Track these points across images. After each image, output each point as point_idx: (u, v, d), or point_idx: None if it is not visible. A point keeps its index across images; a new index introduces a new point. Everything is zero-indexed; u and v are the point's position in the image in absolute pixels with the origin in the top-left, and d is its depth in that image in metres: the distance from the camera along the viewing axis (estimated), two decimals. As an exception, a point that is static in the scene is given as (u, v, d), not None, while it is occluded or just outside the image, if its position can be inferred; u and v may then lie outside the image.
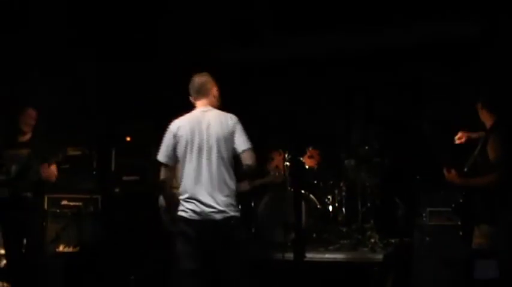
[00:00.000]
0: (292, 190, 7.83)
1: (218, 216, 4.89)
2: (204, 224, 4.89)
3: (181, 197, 5.00)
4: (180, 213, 4.96)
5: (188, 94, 5.27)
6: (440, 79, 8.83)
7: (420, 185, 7.89)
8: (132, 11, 8.26)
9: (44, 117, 7.08)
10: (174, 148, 5.05)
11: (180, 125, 5.09)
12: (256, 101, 9.68)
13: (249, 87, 9.75)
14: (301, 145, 8.55)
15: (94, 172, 8.17)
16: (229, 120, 5.11)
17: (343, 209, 8.36)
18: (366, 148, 8.23)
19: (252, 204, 8.32)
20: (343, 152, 8.55)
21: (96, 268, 7.34)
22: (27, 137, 6.86)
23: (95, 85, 8.83)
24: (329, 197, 8.53)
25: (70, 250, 7.57)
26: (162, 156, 5.07)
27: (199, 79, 5.28)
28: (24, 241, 6.83)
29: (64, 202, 7.76)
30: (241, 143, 5.05)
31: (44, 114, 7.11)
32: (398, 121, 9.14)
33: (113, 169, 8.22)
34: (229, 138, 5.04)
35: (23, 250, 6.81)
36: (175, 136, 5.05)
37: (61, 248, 7.56)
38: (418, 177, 8.02)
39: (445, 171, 5.72)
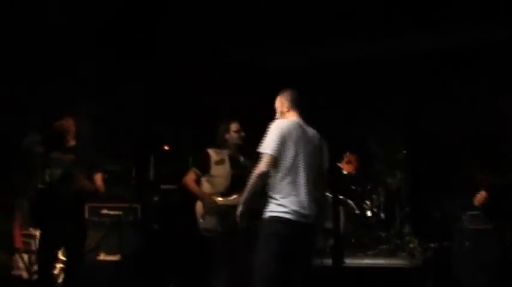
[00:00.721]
0: (331, 195, 7.80)
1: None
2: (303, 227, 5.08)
3: (280, 198, 5.11)
4: (281, 214, 5.06)
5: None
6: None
7: (460, 189, 7.82)
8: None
9: (88, 125, 7.15)
10: (283, 147, 5.15)
11: (289, 130, 5.22)
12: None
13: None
14: (339, 150, 8.52)
15: (132, 181, 8.25)
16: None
17: (382, 214, 8.32)
18: (404, 152, 8.18)
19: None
20: (377, 157, 8.51)
21: (136, 276, 7.39)
22: (72, 143, 6.90)
23: (133, 95, 8.90)
24: (367, 202, 8.51)
25: (110, 258, 7.64)
26: (273, 150, 5.10)
27: (295, 92, 5.55)
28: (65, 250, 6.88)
29: (104, 211, 7.83)
30: (326, 162, 5.45)
31: (88, 123, 7.18)
32: (436, 125, 9.07)
33: (151, 177, 8.28)
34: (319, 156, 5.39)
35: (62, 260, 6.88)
36: (284, 137, 5.15)
37: (101, 256, 7.63)
38: (456, 181, 7.95)
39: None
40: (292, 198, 5.06)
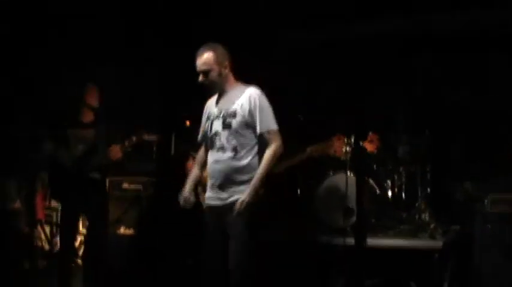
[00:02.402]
0: (353, 175, 7.75)
1: None
2: None
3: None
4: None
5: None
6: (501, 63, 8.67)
7: (483, 170, 7.77)
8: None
9: (108, 100, 7.17)
10: None
11: None
12: (313, 85, 9.63)
13: (308, 71, 9.70)
14: (363, 129, 8.47)
15: (154, 156, 8.28)
16: None
17: (403, 195, 8.27)
18: (426, 132, 8.12)
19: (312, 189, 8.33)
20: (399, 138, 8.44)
21: (155, 250, 7.43)
22: (92, 117, 6.91)
23: (155, 70, 8.90)
24: (388, 182, 8.46)
25: (130, 232, 7.68)
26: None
27: None
28: (87, 222, 6.93)
29: (125, 185, 7.87)
30: None
31: (109, 97, 7.20)
32: (461, 105, 9.01)
33: (172, 152, 8.29)
34: None
35: (85, 232, 6.93)
36: None
37: (122, 230, 7.68)
38: (479, 163, 7.90)
39: None
40: None
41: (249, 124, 5.01)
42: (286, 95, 9.15)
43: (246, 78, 5.31)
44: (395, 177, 8.38)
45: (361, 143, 8.32)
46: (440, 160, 8.29)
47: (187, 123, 8.33)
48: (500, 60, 8.71)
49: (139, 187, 7.94)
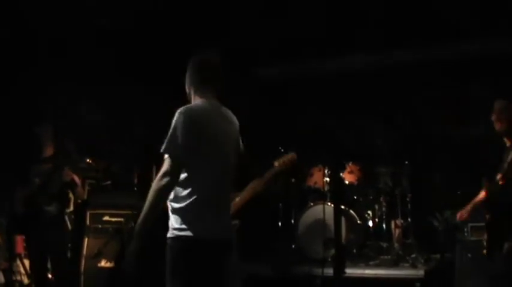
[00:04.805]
0: (332, 205, 7.78)
1: None
2: None
3: None
4: None
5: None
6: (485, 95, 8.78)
7: (461, 200, 7.82)
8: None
9: (72, 133, 7.20)
10: None
11: None
12: (295, 117, 9.71)
13: (288, 103, 9.78)
14: (341, 160, 8.52)
15: (135, 188, 8.25)
16: None
17: (384, 225, 8.31)
18: (406, 163, 8.18)
19: (292, 220, 8.35)
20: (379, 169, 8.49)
21: (136, 284, 7.38)
22: (51, 152, 6.96)
23: (135, 102, 8.91)
24: (369, 212, 8.50)
25: (111, 265, 7.63)
26: None
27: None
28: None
29: (106, 218, 7.82)
30: None
31: (79, 130, 7.21)
32: (439, 136, 9.09)
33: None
34: None
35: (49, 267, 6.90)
36: None
37: (102, 263, 7.62)
38: (459, 192, 7.95)
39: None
40: None
41: None
42: (266, 128, 9.24)
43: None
44: (376, 207, 8.43)
45: (341, 174, 8.38)
46: (421, 190, 8.34)
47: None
48: (481, 91, 8.82)
49: (120, 219, 7.89)
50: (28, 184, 6.79)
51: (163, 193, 4.22)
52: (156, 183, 4.18)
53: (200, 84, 4.52)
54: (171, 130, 4.24)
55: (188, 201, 4.25)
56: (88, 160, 7.09)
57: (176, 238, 4.25)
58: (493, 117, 5.93)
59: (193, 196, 4.25)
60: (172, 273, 4.25)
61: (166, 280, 4.26)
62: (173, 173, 4.18)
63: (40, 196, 6.71)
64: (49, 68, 8.11)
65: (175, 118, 4.25)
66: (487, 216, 5.67)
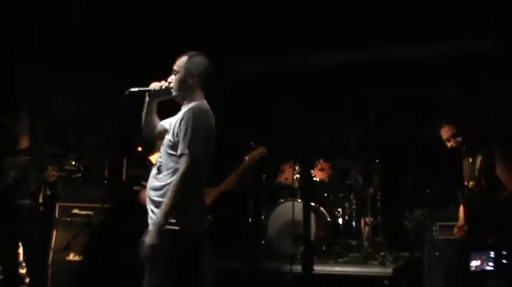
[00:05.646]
0: (302, 202, 7.80)
1: None
2: None
3: None
4: None
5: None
6: (454, 94, 8.87)
7: (431, 199, 7.88)
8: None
9: (48, 125, 7.13)
10: None
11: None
12: (266, 113, 9.72)
13: (260, 99, 9.79)
14: (312, 157, 8.54)
15: (105, 181, 8.20)
16: None
17: (353, 222, 8.34)
18: (377, 161, 8.21)
19: (262, 216, 8.36)
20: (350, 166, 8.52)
21: (104, 278, 7.34)
22: (26, 145, 6.89)
23: (106, 94, 8.86)
24: (339, 210, 8.53)
25: (79, 258, 7.58)
26: None
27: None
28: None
29: (75, 211, 7.77)
30: None
31: (53, 123, 7.15)
32: (410, 136, 9.16)
33: (124, 178, 8.23)
34: None
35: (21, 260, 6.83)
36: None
37: (71, 256, 7.57)
38: (428, 191, 8.01)
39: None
40: None
41: (175, 145, 4.45)
42: (239, 124, 9.24)
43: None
44: (346, 205, 8.46)
45: (312, 171, 8.40)
46: (391, 188, 8.38)
47: (140, 148, 8.30)
48: (452, 92, 8.91)
49: (89, 212, 7.84)
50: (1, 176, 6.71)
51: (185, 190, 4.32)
52: (183, 175, 4.28)
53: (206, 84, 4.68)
54: (193, 130, 4.34)
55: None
56: (73, 162, 7.02)
57: (164, 232, 4.28)
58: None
59: (187, 194, 4.36)
60: (156, 265, 4.30)
61: (148, 271, 4.32)
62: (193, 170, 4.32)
63: (15, 190, 6.64)
64: (18, 58, 8.03)
65: (192, 118, 4.36)
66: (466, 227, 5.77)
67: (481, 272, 5.57)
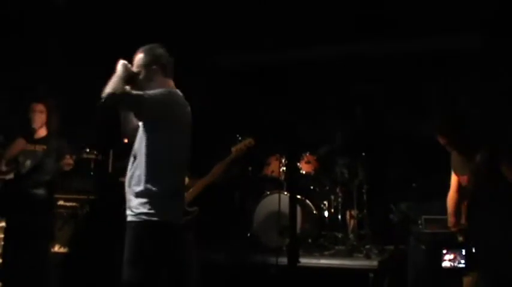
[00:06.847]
0: (288, 194, 7.80)
1: None
2: None
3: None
4: None
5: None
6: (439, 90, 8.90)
7: (416, 193, 7.91)
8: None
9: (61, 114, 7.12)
10: None
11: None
12: (253, 106, 9.71)
13: (247, 92, 9.79)
14: (298, 150, 8.54)
15: (91, 173, 8.17)
16: None
17: (339, 215, 8.35)
18: (363, 154, 8.22)
19: (248, 209, 8.36)
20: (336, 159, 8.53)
21: (87, 269, 7.33)
22: (44, 133, 6.87)
23: (92, 85, 8.80)
24: (325, 202, 8.54)
25: (65, 250, 7.56)
26: None
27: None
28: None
29: (60, 203, 7.74)
30: None
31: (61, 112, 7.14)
32: (396, 130, 9.18)
33: (110, 170, 8.21)
34: None
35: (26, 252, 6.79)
36: None
37: (56, 248, 7.54)
38: (414, 185, 8.04)
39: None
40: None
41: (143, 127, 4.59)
42: (225, 116, 9.23)
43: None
44: (332, 198, 8.47)
45: (298, 164, 8.41)
46: (377, 182, 8.40)
47: (126, 140, 8.27)
48: (437, 87, 8.94)
49: (75, 204, 7.81)
50: (15, 164, 6.67)
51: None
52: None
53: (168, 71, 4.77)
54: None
55: (158, 186, 4.38)
56: (87, 150, 6.99)
57: (144, 222, 4.31)
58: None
59: (164, 181, 4.40)
60: (138, 256, 4.31)
61: (127, 262, 4.32)
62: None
63: (30, 179, 6.61)
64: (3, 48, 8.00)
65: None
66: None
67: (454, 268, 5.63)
